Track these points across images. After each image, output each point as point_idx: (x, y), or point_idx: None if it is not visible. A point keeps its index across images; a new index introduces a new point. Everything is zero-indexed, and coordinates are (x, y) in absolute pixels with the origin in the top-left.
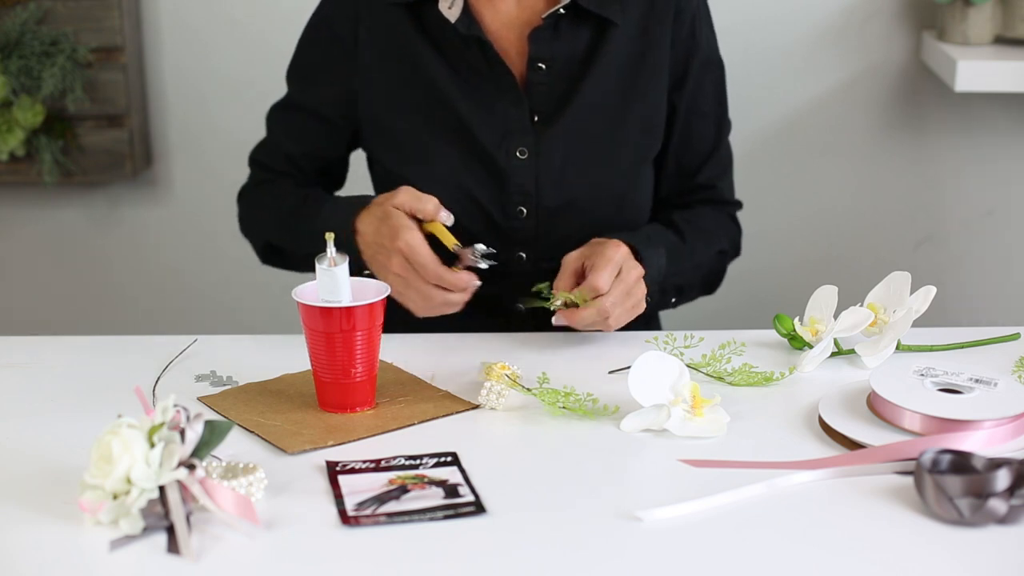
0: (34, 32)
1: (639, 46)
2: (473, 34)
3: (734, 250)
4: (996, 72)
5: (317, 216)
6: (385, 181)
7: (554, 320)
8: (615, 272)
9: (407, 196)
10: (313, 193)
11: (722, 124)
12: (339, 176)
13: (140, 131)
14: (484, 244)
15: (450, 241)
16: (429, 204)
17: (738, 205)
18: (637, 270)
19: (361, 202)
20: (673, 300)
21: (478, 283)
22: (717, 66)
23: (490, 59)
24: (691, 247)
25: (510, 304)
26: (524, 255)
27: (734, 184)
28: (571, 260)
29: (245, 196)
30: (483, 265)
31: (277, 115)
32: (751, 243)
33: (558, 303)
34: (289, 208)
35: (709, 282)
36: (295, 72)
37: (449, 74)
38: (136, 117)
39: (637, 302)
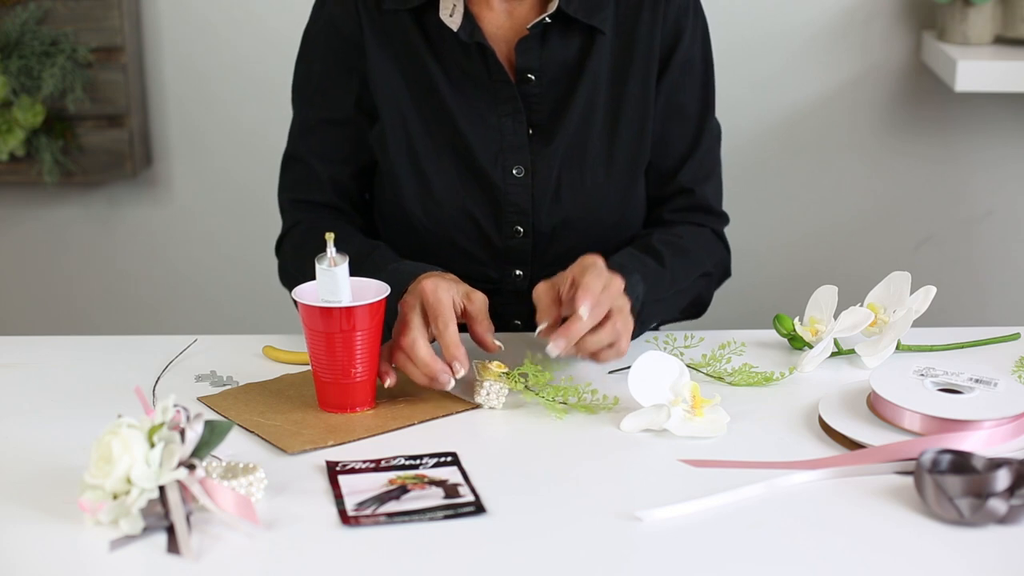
0: (34, 32)
1: (628, 52)
2: (475, 40)
3: (722, 272)
4: (996, 72)
5: (376, 274)
6: (381, 198)
7: (551, 349)
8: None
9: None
10: (379, 249)
11: (704, 127)
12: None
13: (140, 131)
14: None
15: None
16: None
17: (724, 219)
18: (618, 282)
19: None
20: (654, 326)
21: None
22: (703, 68)
23: (491, 68)
24: (672, 273)
25: (507, 322)
26: (521, 273)
27: (722, 194)
28: (543, 292)
29: (290, 243)
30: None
31: (301, 142)
32: (751, 243)
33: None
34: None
35: (694, 307)
36: (308, 88)
37: (448, 84)
38: (136, 117)
39: (630, 316)
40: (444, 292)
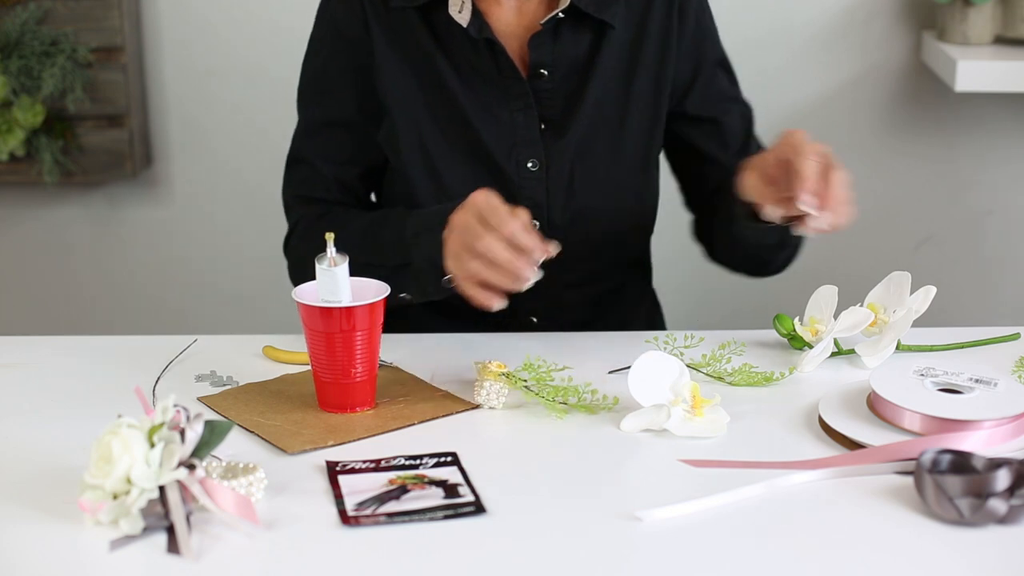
0: (34, 32)
1: (639, 46)
2: (484, 36)
3: None
4: (996, 72)
5: (405, 221)
6: (392, 196)
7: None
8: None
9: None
10: (395, 210)
11: (746, 112)
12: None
13: (140, 131)
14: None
15: None
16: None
17: None
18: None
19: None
20: (783, 252)
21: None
22: (725, 58)
23: (501, 63)
24: None
25: (522, 318)
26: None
27: None
28: (752, 178)
29: (297, 237)
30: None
31: (306, 144)
32: None
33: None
34: (367, 224)
35: (795, 249)
36: (312, 89)
37: (458, 81)
38: (136, 117)
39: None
40: (494, 198)
